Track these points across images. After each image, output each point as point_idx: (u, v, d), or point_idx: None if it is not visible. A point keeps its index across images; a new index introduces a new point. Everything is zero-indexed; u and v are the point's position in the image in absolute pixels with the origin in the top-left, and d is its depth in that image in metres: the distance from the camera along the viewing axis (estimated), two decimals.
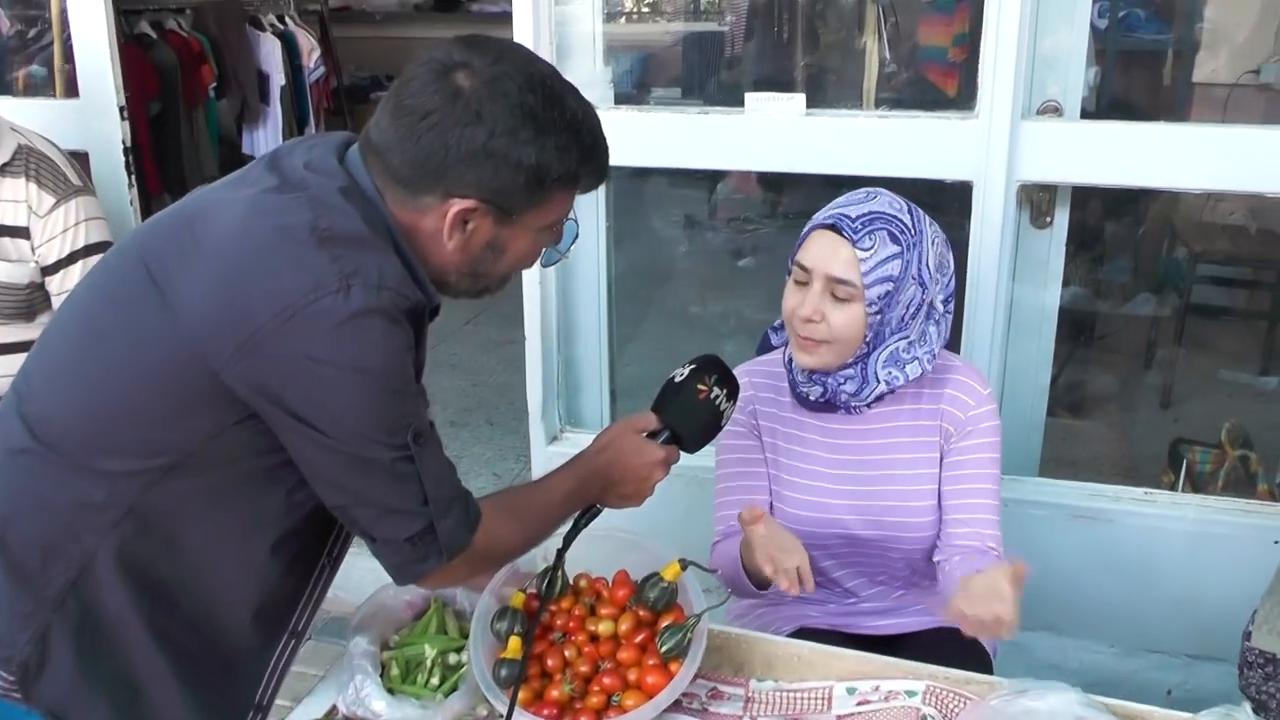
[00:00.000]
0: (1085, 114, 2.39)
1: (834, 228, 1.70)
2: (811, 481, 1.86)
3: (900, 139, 2.37)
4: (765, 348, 1.99)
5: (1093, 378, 3.91)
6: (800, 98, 2.42)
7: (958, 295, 2.29)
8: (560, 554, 1.56)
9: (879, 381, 1.76)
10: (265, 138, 6.02)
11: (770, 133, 2.44)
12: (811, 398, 1.82)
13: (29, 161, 2.47)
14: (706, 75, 4.67)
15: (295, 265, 1.21)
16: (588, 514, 1.55)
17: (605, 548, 1.69)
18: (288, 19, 6.34)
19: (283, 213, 1.25)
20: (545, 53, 2.53)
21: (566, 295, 2.77)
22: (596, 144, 1.34)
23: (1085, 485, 2.52)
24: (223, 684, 1.43)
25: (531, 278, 2.68)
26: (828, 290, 1.70)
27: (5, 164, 2.48)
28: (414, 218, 1.32)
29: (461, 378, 4.45)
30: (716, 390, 1.55)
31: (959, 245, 2.39)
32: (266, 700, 1.49)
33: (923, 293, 1.73)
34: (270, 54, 6.04)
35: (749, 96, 2.46)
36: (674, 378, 1.57)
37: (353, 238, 1.24)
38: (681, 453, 1.57)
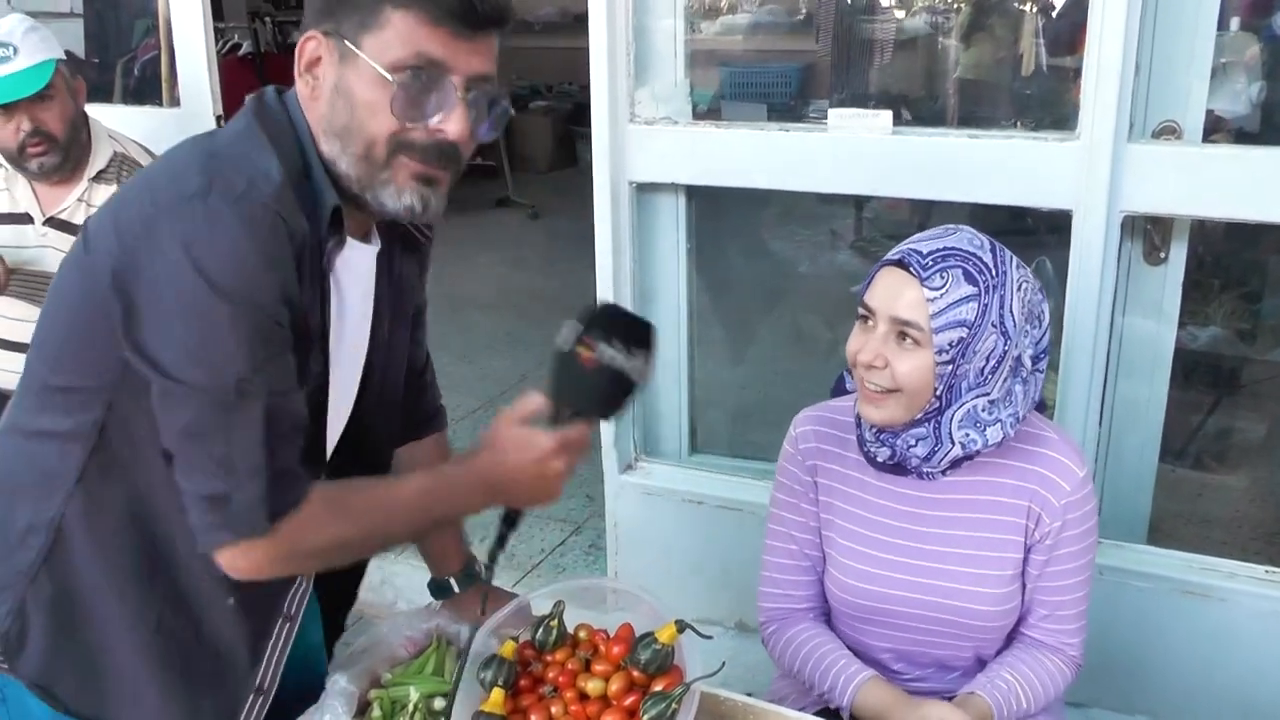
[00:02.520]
0: (1245, 136, 2.13)
1: (902, 264, 1.51)
2: (869, 550, 1.67)
3: (992, 161, 2.16)
4: (839, 391, 1.82)
5: (1228, 429, 3.55)
6: (886, 114, 2.24)
7: (1054, 333, 2.08)
8: (489, 568, 1.43)
9: (954, 444, 1.54)
10: None
11: (855, 152, 2.27)
12: (879, 459, 1.62)
13: (122, 169, 2.53)
14: (802, 99, 4.54)
15: (172, 177, 1.21)
16: (507, 521, 1.40)
17: (612, 600, 1.58)
18: None
19: (193, 143, 1.27)
20: (622, 62, 2.42)
21: (644, 315, 2.65)
22: None
23: (1197, 558, 2.24)
24: (211, 669, 1.39)
25: (606, 294, 2.57)
26: (892, 333, 1.51)
27: (101, 171, 2.54)
28: (304, 103, 1.28)
29: None
30: (607, 349, 1.28)
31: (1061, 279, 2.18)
32: (268, 684, 1.44)
33: (1006, 343, 1.51)
34: None
35: (833, 113, 2.29)
36: (559, 347, 1.31)
37: (236, 153, 1.22)
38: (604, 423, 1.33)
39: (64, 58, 2.55)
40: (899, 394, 1.51)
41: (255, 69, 6.90)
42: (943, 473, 1.61)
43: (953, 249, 1.50)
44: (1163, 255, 2.18)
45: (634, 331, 1.31)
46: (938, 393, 1.51)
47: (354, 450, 1.50)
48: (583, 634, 1.55)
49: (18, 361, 2.51)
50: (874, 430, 1.60)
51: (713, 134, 2.42)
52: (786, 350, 3.93)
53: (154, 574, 1.33)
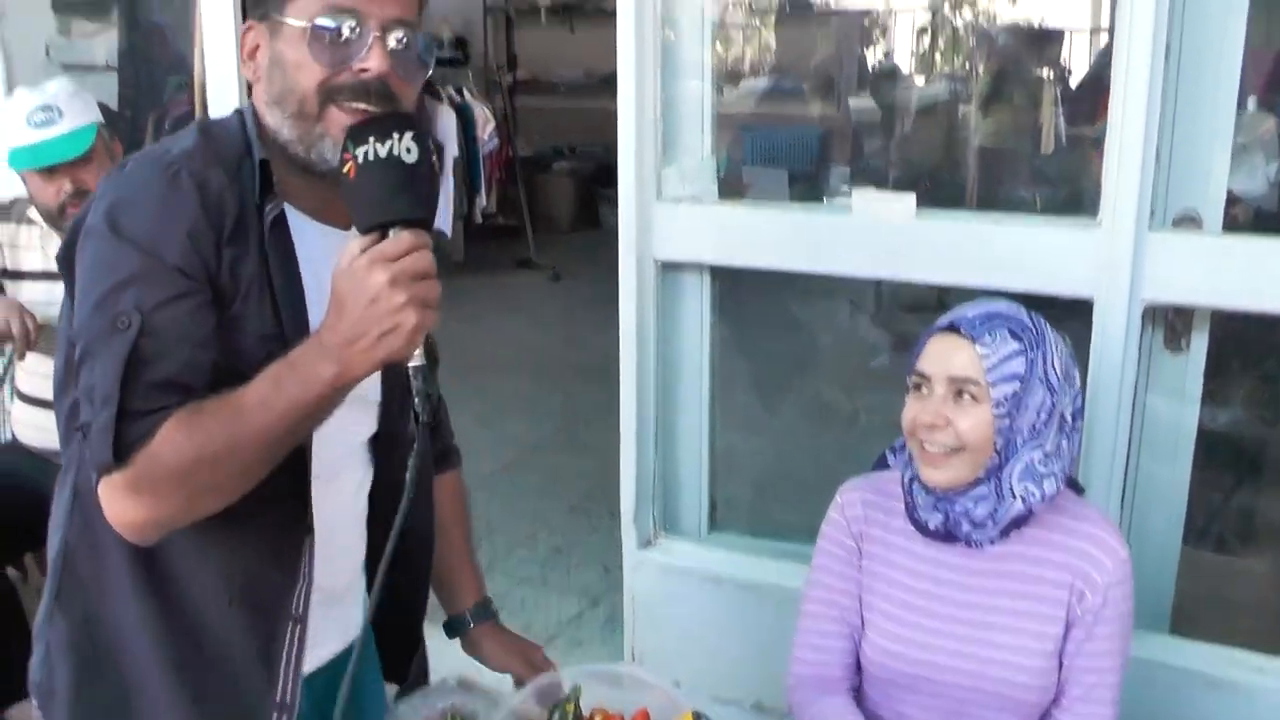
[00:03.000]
0: (1263, 216, 2.14)
1: (951, 328, 1.63)
2: (912, 616, 1.70)
3: (1015, 247, 2.18)
4: (882, 466, 1.87)
5: (1250, 511, 3.51)
6: (910, 197, 2.26)
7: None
8: (416, 417, 1.23)
9: (1015, 497, 1.61)
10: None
11: (879, 235, 2.29)
12: (931, 526, 1.67)
13: None
14: (822, 164, 4.58)
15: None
16: (418, 376, 1.20)
17: (630, 684, 1.56)
18: (466, 92, 6.53)
19: None
20: (650, 141, 2.46)
21: (667, 393, 2.67)
22: None
23: (1222, 650, 2.20)
24: (228, 689, 1.37)
25: (629, 371, 2.58)
26: (950, 393, 1.61)
27: None
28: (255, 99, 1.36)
29: (591, 459, 4.36)
30: (368, 148, 1.19)
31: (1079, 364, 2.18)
32: (290, 699, 1.40)
33: (1053, 398, 1.61)
34: (446, 126, 6.23)
35: (856, 193, 2.32)
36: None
37: (168, 141, 1.33)
38: (424, 234, 1.19)
39: (103, 121, 2.64)
40: (962, 453, 1.59)
41: None
42: (992, 541, 1.65)
43: (996, 312, 1.63)
44: (1184, 343, 2.18)
45: (387, 121, 1.24)
46: (997, 448, 1.60)
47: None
48: (598, 718, 1.55)
49: (51, 419, 2.58)
50: (930, 496, 1.66)
51: (738, 214, 2.45)
52: (806, 424, 3.93)
53: (153, 591, 1.33)
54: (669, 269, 2.56)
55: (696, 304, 2.60)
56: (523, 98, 8.57)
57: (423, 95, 5.97)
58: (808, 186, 4.71)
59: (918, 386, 1.65)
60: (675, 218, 2.48)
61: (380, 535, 1.49)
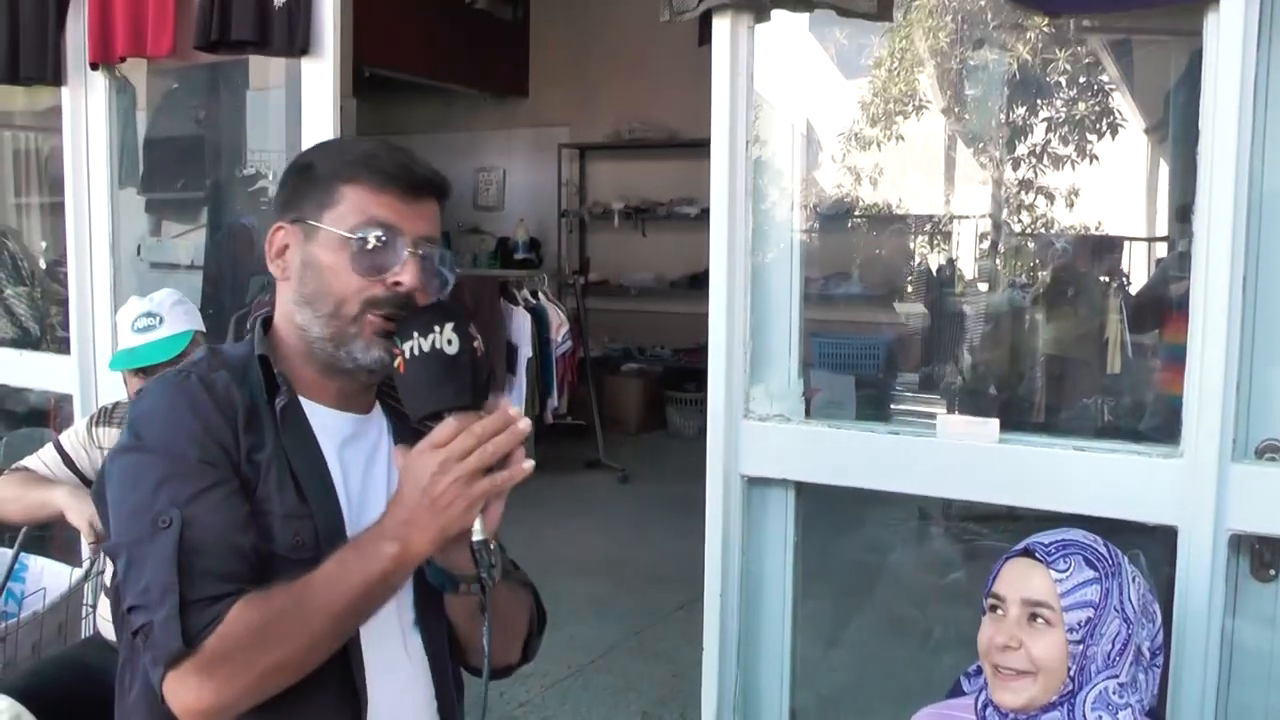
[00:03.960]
0: None
1: (1027, 552, 1.71)
2: None
3: (1097, 474, 2.23)
4: (956, 693, 1.90)
5: None
6: (994, 423, 2.34)
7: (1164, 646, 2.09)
8: (482, 591, 1.33)
9: None
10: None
11: (962, 457, 2.36)
12: None
13: None
14: (889, 371, 4.67)
15: None
16: (476, 559, 1.30)
17: None
18: (540, 294, 6.75)
19: None
20: (739, 361, 2.57)
21: (748, 609, 2.70)
22: (372, 150, 1.42)
23: None
24: None
25: (714, 582, 2.63)
26: (1024, 616, 1.66)
27: None
28: (276, 299, 1.48)
29: (663, 666, 4.36)
30: (413, 343, 1.30)
31: (1165, 591, 2.20)
32: None
33: (1128, 629, 1.66)
34: (521, 327, 6.43)
35: (940, 419, 2.39)
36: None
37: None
38: (468, 412, 1.29)
39: (203, 329, 2.75)
40: (1035, 676, 1.64)
41: None
42: None
43: (1072, 540, 1.71)
44: (1272, 572, 2.20)
45: (430, 314, 1.34)
46: (1071, 673, 1.63)
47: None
48: None
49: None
50: (1005, 718, 1.68)
51: (824, 433, 2.53)
52: (880, 638, 3.92)
53: None
54: (755, 483, 2.63)
55: (781, 518, 2.65)
56: (593, 299, 8.83)
57: (498, 297, 6.31)
58: (875, 393, 4.81)
59: (993, 609, 1.71)
60: (762, 436, 2.57)
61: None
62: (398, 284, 1.39)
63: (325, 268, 1.40)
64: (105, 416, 2.81)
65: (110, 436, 2.77)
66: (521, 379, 6.39)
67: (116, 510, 1.33)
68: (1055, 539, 1.71)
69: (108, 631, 2.73)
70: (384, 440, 1.54)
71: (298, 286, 1.43)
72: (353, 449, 1.49)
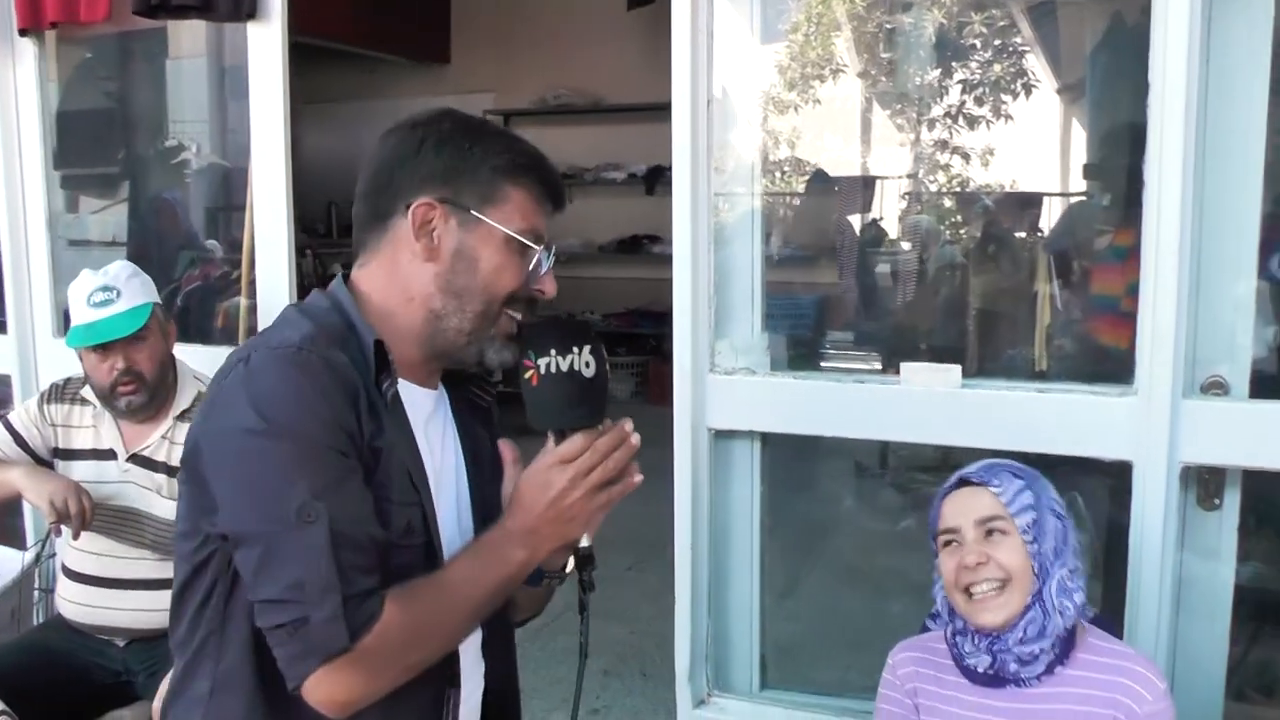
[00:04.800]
0: (1264, 379, 2.30)
1: (964, 482, 1.85)
2: None
3: (1056, 414, 2.34)
4: (925, 630, 2.00)
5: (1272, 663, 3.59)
6: (956, 369, 2.42)
7: (1120, 577, 2.21)
8: (582, 616, 1.44)
9: (1058, 613, 1.75)
10: None
11: (926, 404, 2.45)
12: (980, 669, 1.80)
13: None
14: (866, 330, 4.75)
15: (218, 371, 1.38)
16: (579, 564, 1.40)
17: None
18: None
19: None
20: (704, 317, 2.62)
21: (718, 556, 2.77)
22: (538, 156, 1.43)
23: None
24: None
25: (684, 535, 2.69)
26: (981, 535, 1.79)
27: (185, 410, 2.66)
28: (384, 268, 1.42)
29: (619, 625, 4.42)
30: (543, 359, 1.33)
31: (1121, 526, 2.31)
32: None
33: (1063, 523, 1.82)
34: None
35: (904, 367, 2.48)
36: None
37: (269, 332, 1.38)
38: (588, 429, 1.34)
39: (159, 301, 2.70)
40: (1010, 585, 1.76)
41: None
42: (1038, 678, 1.77)
43: (994, 462, 1.88)
44: (1217, 501, 2.32)
45: (567, 333, 1.36)
46: (1035, 571, 1.77)
47: None
48: None
49: (100, 596, 2.64)
50: (976, 642, 1.79)
51: (790, 384, 2.60)
52: (838, 586, 4.02)
53: None
54: (721, 435, 2.70)
55: (747, 469, 2.73)
56: None
57: None
58: (806, 352, 4.89)
59: (948, 543, 1.83)
60: (729, 389, 2.63)
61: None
62: (541, 290, 1.44)
63: (487, 264, 1.40)
64: (57, 393, 2.76)
65: (64, 413, 2.73)
66: None
67: (239, 494, 1.30)
68: (980, 465, 1.86)
69: (71, 613, 2.71)
70: (448, 414, 1.55)
71: (448, 275, 1.40)
72: (431, 425, 1.50)
